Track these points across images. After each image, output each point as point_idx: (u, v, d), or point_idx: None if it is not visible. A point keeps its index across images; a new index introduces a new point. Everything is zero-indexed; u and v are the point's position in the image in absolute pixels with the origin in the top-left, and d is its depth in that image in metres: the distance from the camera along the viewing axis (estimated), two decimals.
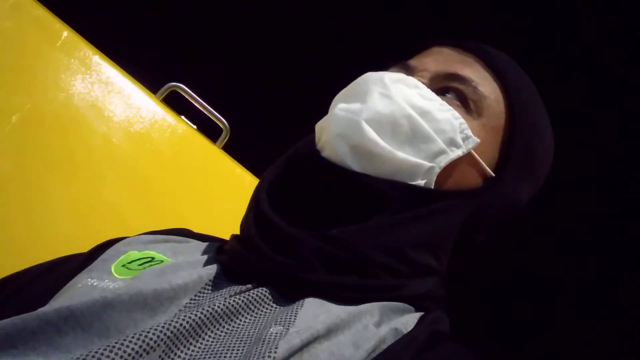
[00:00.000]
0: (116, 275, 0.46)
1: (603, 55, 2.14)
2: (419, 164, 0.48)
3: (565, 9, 2.08)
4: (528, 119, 0.55)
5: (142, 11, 2.28)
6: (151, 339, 0.34)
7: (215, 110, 1.23)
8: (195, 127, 1.16)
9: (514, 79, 0.56)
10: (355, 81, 0.52)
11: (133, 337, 0.33)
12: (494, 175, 0.52)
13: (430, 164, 0.48)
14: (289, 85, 2.45)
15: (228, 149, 1.23)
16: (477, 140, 0.50)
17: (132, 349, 0.33)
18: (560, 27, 2.14)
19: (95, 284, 0.44)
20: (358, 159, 0.47)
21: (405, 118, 0.48)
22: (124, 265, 0.48)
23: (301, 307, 0.40)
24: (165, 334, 0.34)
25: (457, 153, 0.49)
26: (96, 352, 0.32)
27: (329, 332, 0.38)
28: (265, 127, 2.41)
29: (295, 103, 2.43)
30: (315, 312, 0.40)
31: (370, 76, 0.51)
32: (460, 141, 0.49)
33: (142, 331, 0.34)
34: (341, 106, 0.50)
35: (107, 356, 0.32)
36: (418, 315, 0.45)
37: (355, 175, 0.47)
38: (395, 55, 0.58)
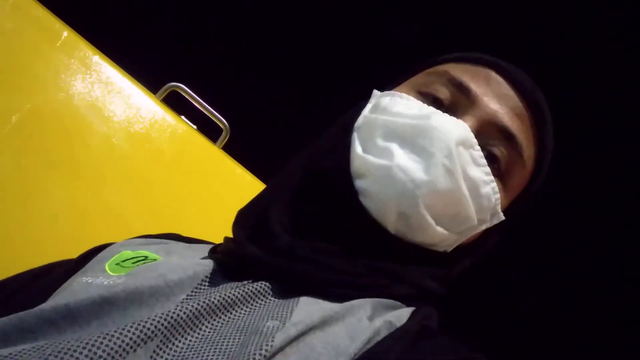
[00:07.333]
0: (110, 272, 0.46)
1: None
2: (450, 237, 0.50)
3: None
4: (544, 175, 0.57)
5: (142, 11, 2.27)
6: (149, 329, 0.34)
7: (215, 110, 1.23)
8: (195, 127, 1.16)
9: (551, 143, 0.56)
10: (423, 125, 0.48)
11: (131, 327, 0.33)
12: (504, 218, 0.53)
13: (458, 236, 0.51)
14: (289, 85, 2.45)
15: (228, 149, 1.23)
16: (502, 218, 0.53)
17: (130, 338, 0.33)
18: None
19: (89, 281, 0.44)
20: (400, 224, 0.47)
21: (457, 200, 0.48)
22: (117, 264, 0.48)
23: (297, 304, 0.41)
24: (162, 324, 0.35)
25: (482, 228, 0.52)
26: (95, 341, 0.32)
27: (323, 324, 0.39)
28: (265, 127, 2.41)
29: (295, 103, 2.43)
30: (310, 309, 0.41)
31: (439, 134, 0.47)
32: (489, 217, 0.52)
33: (140, 321, 0.34)
34: (402, 162, 0.46)
35: (107, 345, 0.32)
36: (410, 309, 0.46)
37: (389, 237, 0.48)
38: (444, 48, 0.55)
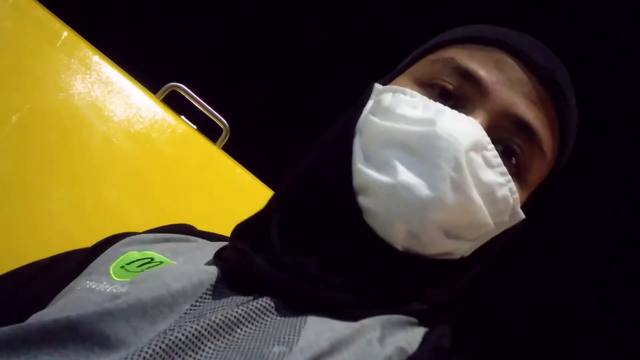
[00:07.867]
0: (114, 277, 0.45)
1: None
2: (465, 244, 0.47)
3: None
4: (564, 165, 0.53)
5: (142, 11, 2.28)
6: (146, 352, 0.33)
7: (215, 110, 1.23)
8: (195, 127, 1.16)
9: (574, 125, 0.51)
10: (427, 133, 0.43)
11: (128, 354, 0.33)
12: (524, 217, 0.49)
13: (474, 242, 0.48)
14: (289, 85, 2.45)
15: (228, 149, 1.23)
16: (523, 217, 0.49)
17: None
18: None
19: (93, 286, 0.43)
20: (409, 242, 0.44)
21: (470, 211, 0.44)
22: (122, 267, 0.47)
23: (304, 325, 0.39)
24: (160, 347, 0.34)
25: (501, 230, 0.48)
26: None
27: (332, 350, 0.37)
28: (265, 127, 2.41)
29: (295, 103, 2.43)
30: (318, 331, 0.39)
31: (445, 143, 0.42)
32: (507, 219, 0.48)
33: (136, 348, 0.34)
34: (406, 179, 0.42)
35: None
36: (422, 331, 0.44)
37: (398, 254, 0.44)
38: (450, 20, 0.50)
